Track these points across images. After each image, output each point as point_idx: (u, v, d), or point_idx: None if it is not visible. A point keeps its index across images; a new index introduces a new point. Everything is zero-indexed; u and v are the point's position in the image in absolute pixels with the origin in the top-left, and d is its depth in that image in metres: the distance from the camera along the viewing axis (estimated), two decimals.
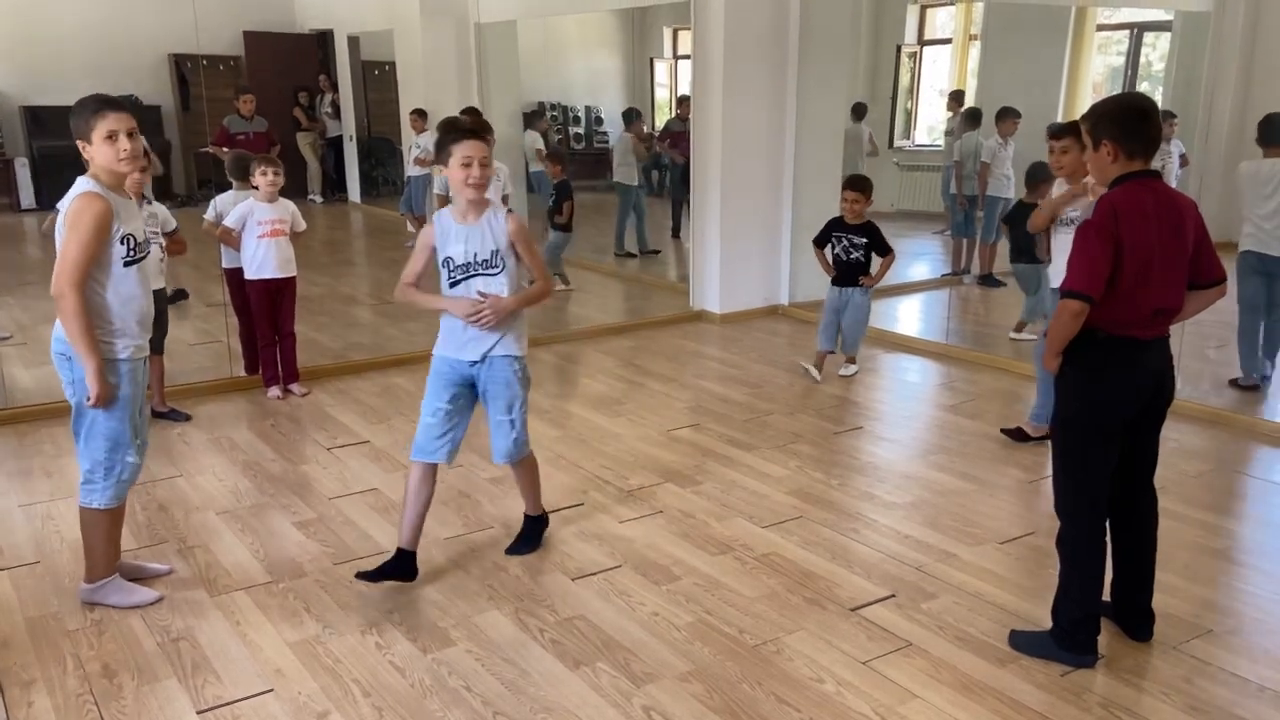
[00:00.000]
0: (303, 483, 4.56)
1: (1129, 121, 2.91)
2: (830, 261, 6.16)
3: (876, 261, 6.05)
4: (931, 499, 4.38)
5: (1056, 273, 4.72)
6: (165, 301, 5.27)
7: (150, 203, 5.11)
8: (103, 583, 3.48)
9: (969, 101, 10.41)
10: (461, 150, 3.33)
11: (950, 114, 10.34)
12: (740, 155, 7.49)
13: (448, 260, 3.48)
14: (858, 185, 6.06)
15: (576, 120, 14.29)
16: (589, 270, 8.88)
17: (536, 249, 3.64)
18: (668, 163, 11.32)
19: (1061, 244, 4.64)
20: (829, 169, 7.89)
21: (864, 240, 5.99)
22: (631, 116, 10.77)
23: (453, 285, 3.49)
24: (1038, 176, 6.04)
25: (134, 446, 3.36)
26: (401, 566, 3.56)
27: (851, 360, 6.29)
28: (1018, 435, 4.97)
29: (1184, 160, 8.41)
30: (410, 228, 10.44)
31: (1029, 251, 6.07)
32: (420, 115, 10.06)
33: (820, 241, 6.18)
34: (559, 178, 8.55)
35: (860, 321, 6.14)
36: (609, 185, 10.94)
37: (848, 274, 6.07)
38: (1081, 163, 4.49)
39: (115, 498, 3.37)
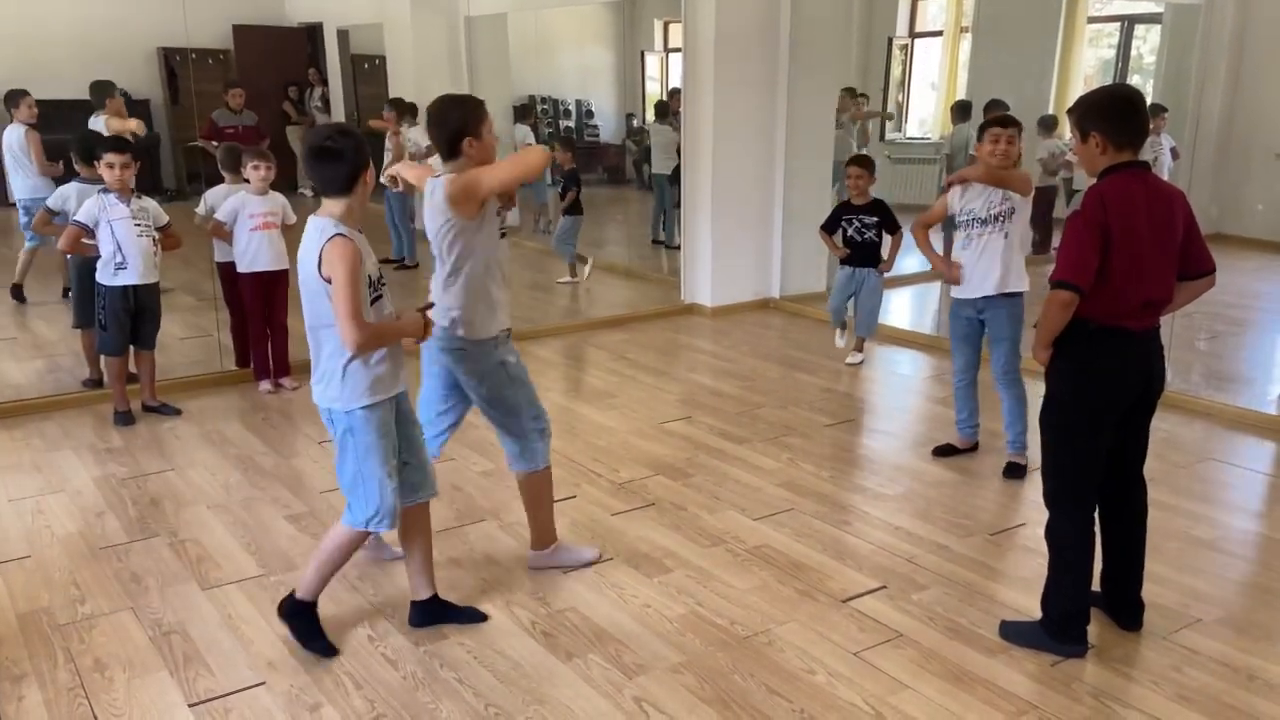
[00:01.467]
0: (294, 476, 4.55)
1: (1117, 113, 2.92)
2: (842, 244, 6.19)
3: (887, 240, 6.09)
4: (922, 491, 4.39)
5: (970, 285, 4.46)
6: (158, 296, 5.26)
7: (140, 197, 5.10)
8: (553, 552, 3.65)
9: (960, 94, 10.42)
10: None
11: (844, 110, 10.30)
12: (731, 149, 7.49)
13: (369, 278, 2.95)
14: (861, 162, 6.13)
15: (567, 114, 14.24)
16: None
17: None
18: None
19: (974, 249, 4.43)
20: (820, 162, 7.90)
21: (875, 219, 6.04)
22: (664, 109, 10.82)
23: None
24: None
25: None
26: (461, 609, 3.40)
27: (860, 348, 6.34)
28: (1013, 472, 4.51)
29: (1175, 154, 8.44)
30: None
31: None
32: (409, 110, 10.01)
33: (829, 227, 6.22)
34: (570, 165, 8.63)
35: (877, 304, 6.20)
36: (600, 179, 10.95)
37: (862, 255, 6.11)
38: (1017, 156, 4.36)
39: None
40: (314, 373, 3.02)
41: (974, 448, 4.80)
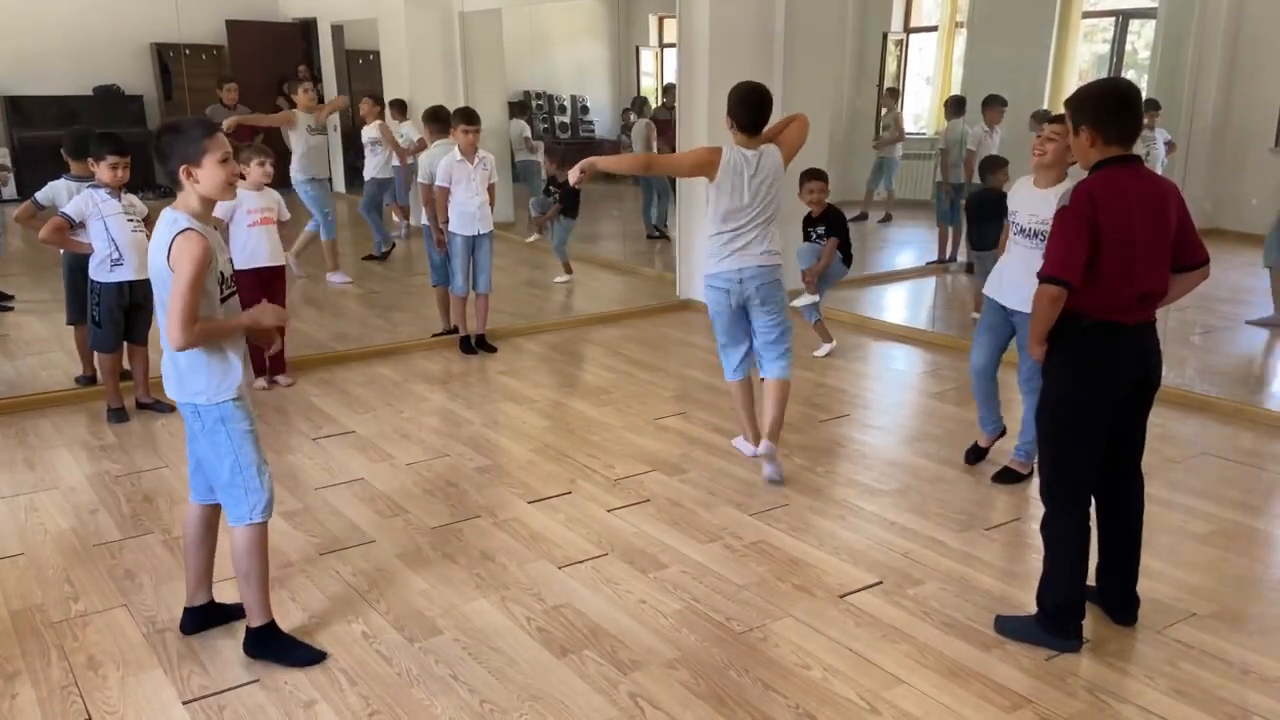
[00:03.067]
0: (289, 473, 4.54)
1: (1107, 107, 2.90)
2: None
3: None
4: (918, 486, 4.39)
5: (996, 286, 4.29)
6: (150, 291, 5.23)
7: (125, 194, 5.08)
8: None
9: (954, 89, 10.42)
10: (221, 146, 2.83)
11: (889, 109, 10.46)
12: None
13: (220, 275, 2.93)
14: (817, 174, 6.27)
15: (562, 109, 14.25)
16: (575, 260, 8.87)
17: None
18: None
19: (1013, 256, 4.21)
20: (814, 157, 7.88)
21: (823, 229, 6.28)
22: (643, 103, 10.89)
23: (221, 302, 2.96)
24: (994, 163, 6.80)
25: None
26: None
27: (825, 337, 6.50)
28: (1006, 476, 4.42)
29: (1171, 147, 8.44)
30: (395, 217, 10.41)
31: (986, 240, 6.40)
32: (398, 106, 10.01)
33: (805, 235, 6.45)
34: (553, 173, 8.85)
35: (831, 274, 6.40)
36: (595, 175, 10.98)
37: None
38: (1064, 154, 4.07)
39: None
40: (168, 365, 2.93)
41: (1002, 434, 4.61)
